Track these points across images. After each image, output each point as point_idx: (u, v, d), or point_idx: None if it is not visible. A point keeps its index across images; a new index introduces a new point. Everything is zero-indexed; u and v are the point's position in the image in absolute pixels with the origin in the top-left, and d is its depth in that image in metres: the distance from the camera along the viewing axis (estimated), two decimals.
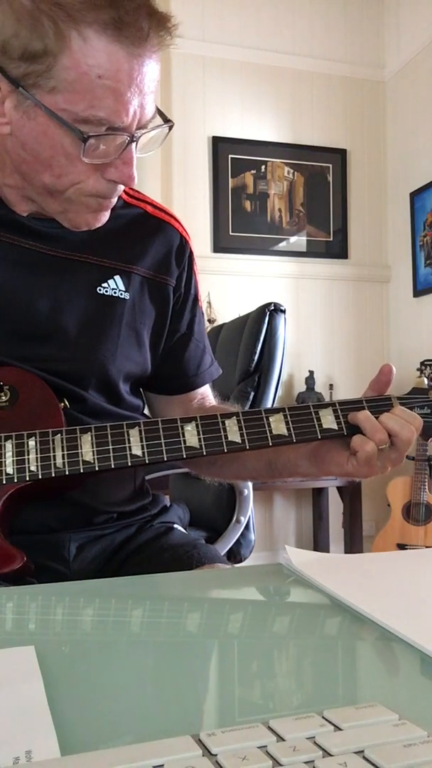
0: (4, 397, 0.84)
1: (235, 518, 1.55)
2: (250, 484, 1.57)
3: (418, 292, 3.56)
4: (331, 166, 3.73)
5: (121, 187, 0.85)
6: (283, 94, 3.67)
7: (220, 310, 3.39)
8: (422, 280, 3.53)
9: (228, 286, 3.49)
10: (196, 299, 1.04)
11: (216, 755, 0.31)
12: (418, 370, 3.03)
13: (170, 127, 0.84)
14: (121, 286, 0.94)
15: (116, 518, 0.98)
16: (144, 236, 0.97)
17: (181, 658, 0.48)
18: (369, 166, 3.83)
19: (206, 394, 1.08)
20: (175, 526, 1.05)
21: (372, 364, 3.76)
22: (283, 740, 0.32)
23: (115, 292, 0.93)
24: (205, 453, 0.81)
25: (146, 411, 1.08)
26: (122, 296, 0.93)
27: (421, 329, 3.55)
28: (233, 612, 0.61)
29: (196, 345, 1.04)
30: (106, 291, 0.92)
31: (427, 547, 2.81)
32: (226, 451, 0.82)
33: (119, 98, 0.76)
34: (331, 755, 0.31)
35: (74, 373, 0.90)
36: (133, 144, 0.80)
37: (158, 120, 0.84)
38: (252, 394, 1.72)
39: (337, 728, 0.33)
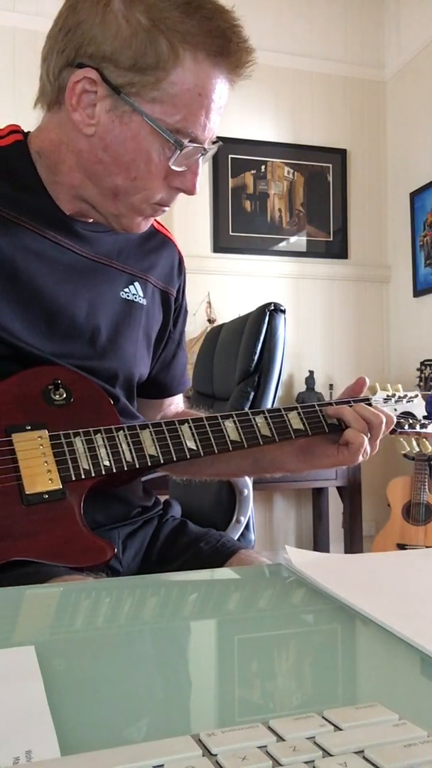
0: (59, 396, 0.87)
1: (235, 518, 1.54)
2: (249, 484, 1.57)
3: (418, 292, 3.56)
4: (331, 166, 3.73)
5: (178, 197, 0.92)
6: (283, 94, 3.67)
7: (220, 310, 3.39)
8: (422, 280, 3.53)
9: (228, 286, 3.49)
10: (186, 312, 1.12)
11: (216, 755, 0.31)
12: (417, 369, 3.03)
13: (219, 147, 0.93)
14: (140, 293, 1.00)
15: (141, 512, 1.02)
16: (154, 249, 1.04)
17: (181, 658, 0.48)
18: (369, 166, 3.83)
19: (180, 399, 1.18)
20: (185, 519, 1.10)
21: (372, 364, 3.76)
22: (283, 740, 0.32)
23: (135, 298, 0.99)
24: (246, 446, 0.91)
25: None
26: (141, 302, 1.00)
27: (421, 329, 3.55)
28: (233, 612, 0.61)
29: (182, 354, 1.13)
30: (128, 296, 0.98)
31: (427, 547, 2.81)
32: (261, 443, 0.92)
33: (207, 115, 0.85)
34: (331, 755, 0.31)
35: (106, 373, 0.95)
36: (202, 157, 0.89)
37: None
38: (252, 394, 1.72)
39: (337, 728, 0.33)
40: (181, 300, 1.09)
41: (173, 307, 1.07)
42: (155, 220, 1.04)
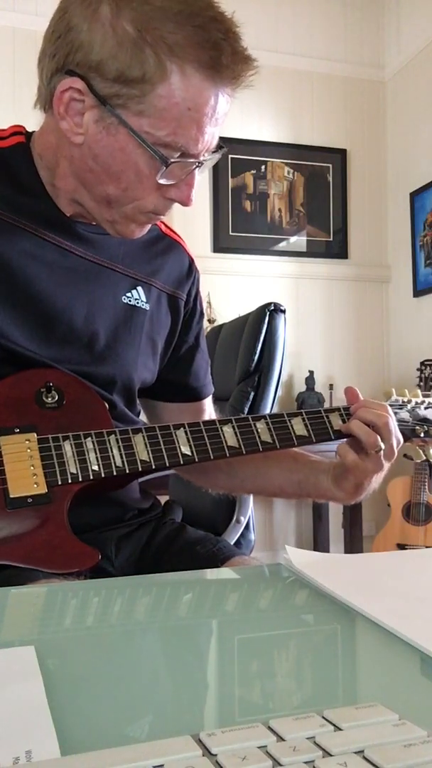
0: (51, 399, 0.86)
1: (235, 518, 1.54)
2: None
3: (418, 292, 3.55)
4: (331, 166, 3.72)
5: (172, 206, 0.90)
6: (283, 94, 3.66)
7: (220, 310, 3.39)
8: (422, 280, 3.53)
9: (228, 286, 3.49)
10: (201, 314, 1.10)
11: (216, 755, 0.31)
12: (417, 369, 3.02)
13: (223, 153, 0.89)
14: (143, 297, 0.99)
15: (137, 515, 1.02)
16: (161, 253, 1.03)
17: (181, 658, 0.48)
18: (369, 166, 3.82)
19: (212, 409, 1.16)
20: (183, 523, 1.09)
21: (372, 364, 3.76)
22: (283, 740, 0.32)
23: (138, 303, 0.98)
24: (244, 452, 0.88)
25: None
26: (143, 306, 0.98)
27: (421, 329, 3.54)
28: (233, 612, 0.61)
29: (202, 356, 1.11)
30: (130, 301, 0.97)
31: (427, 547, 2.81)
32: (261, 450, 0.89)
33: (200, 129, 0.81)
34: (331, 755, 0.31)
35: (103, 378, 0.94)
36: (197, 169, 0.85)
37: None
38: (252, 394, 1.72)
39: (337, 728, 0.33)
40: (192, 304, 1.08)
41: (183, 311, 1.05)
42: (163, 223, 1.04)
